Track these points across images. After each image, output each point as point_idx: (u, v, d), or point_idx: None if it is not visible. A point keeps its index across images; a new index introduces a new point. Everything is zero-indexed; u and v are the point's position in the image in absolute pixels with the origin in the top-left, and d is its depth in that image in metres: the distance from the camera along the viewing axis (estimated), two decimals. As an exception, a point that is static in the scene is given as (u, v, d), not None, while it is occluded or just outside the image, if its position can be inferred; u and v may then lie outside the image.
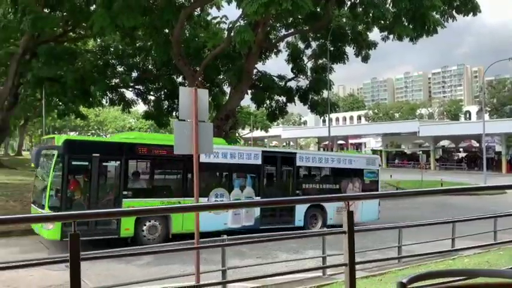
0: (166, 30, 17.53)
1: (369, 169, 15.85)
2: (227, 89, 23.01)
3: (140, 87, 24.65)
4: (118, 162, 11.66)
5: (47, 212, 10.55)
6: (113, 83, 23.74)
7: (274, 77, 21.55)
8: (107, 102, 25.47)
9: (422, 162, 32.57)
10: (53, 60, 18.82)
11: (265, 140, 64.96)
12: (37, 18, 13.71)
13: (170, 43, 17.31)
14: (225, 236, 7.77)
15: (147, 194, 12.17)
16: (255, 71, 20.16)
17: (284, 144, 67.11)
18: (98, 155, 11.22)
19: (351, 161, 15.60)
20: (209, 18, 20.65)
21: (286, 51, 22.21)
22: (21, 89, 21.83)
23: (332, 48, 21.16)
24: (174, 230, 11.88)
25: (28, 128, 57.38)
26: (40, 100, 25.01)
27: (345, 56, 21.52)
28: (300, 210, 13.64)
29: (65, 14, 19.77)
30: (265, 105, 22.61)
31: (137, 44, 21.57)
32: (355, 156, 16.83)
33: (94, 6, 16.45)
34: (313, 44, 22.02)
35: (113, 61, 23.20)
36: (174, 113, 24.72)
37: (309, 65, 22.73)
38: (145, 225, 11.59)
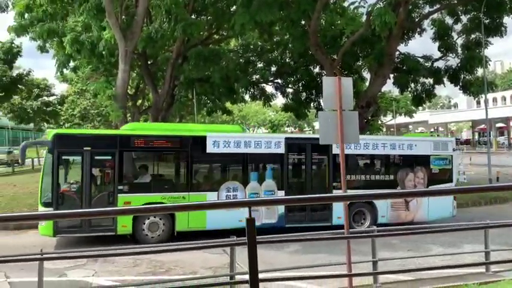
0: (303, 22, 17.62)
1: (438, 155, 13.05)
2: (367, 75, 22.22)
3: (279, 80, 25.34)
4: (111, 156, 11.02)
5: (41, 208, 10.38)
6: (254, 79, 24.88)
7: (418, 58, 20.05)
8: (249, 97, 26.80)
9: None
10: (201, 62, 20.43)
11: (410, 127, 61.12)
12: (187, 24, 15.02)
13: (307, 34, 17.36)
14: (374, 227, 7.49)
15: (145, 189, 11.21)
16: (396, 53, 19.05)
17: (432, 130, 62.24)
18: (90, 148, 10.70)
19: (410, 145, 12.84)
20: (346, 4, 20.14)
21: (432, 29, 20.41)
22: (176, 91, 24.21)
23: (487, 21, 18.79)
24: (178, 227, 11.09)
25: (182, 125, 63.61)
26: (191, 99, 27.34)
27: (503, 28, 18.91)
28: (340, 205, 11.06)
29: (209, 18, 21.38)
30: (409, 89, 21.21)
31: (275, 39, 22.21)
32: (417, 140, 13.54)
33: (234, 7, 17.38)
34: (464, 18, 19.84)
35: (253, 58, 24.32)
36: (312, 104, 24.89)
37: (459, 41, 20.56)
38: (144, 222, 10.86)
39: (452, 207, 12.72)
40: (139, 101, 30.77)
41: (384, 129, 39.05)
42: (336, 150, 11.93)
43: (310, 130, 62.42)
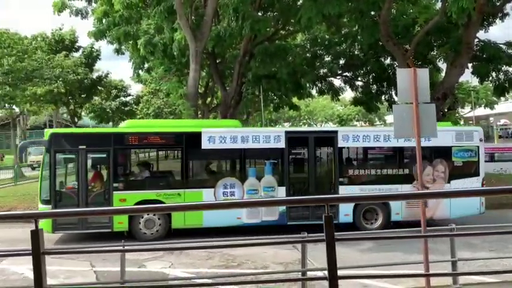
0: (372, 13, 17.05)
1: (462, 146, 11.92)
2: (442, 65, 21.04)
3: (347, 74, 24.76)
4: (106, 154, 11.09)
5: (40, 205, 10.68)
6: (321, 73, 24.54)
7: (500, 45, 18.61)
8: (316, 92, 26.48)
9: None
10: (267, 58, 20.54)
11: (491, 119, 57.00)
12: (254, 21, 15.15)
13: (377, 25, 16.76)
14: (453, 225, 7.08)
15: (139, 186, 11.32)
16: (475, 40, 17.81)
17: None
18: (85, 147, 10.84)
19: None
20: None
21: (515, 12, 18.85)
22: (244, 88, 24.55)
23: None
24: (174, 225, 11.07)
25: (250, 122, 64.60)
26: (258, 96, 27.57)
27: None
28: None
29: (275, 13, 21.38)
30: (490, 78, 19.75)
31: (343, 32, 21.71)
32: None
33: (301, 1, 17.22)
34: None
35: (320, 52, 23.96)
36: (383, 97, 24.04)
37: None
38: (140, 219, 10.86)
39: (480, 204, 11.67)
40: (209, 99, 31.61)
41: (462, 122, 36.75)
42: (342, 143, 11.58)
43: (381, 124, 60.39)
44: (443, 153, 11.87)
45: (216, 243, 3.39)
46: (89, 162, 11.18)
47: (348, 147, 11.97)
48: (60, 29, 30.29)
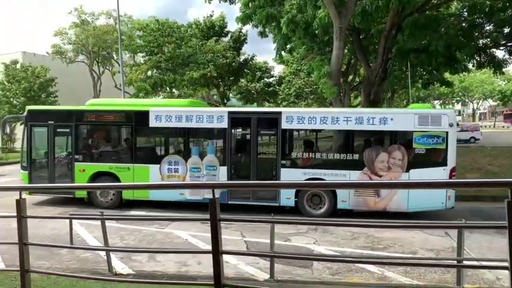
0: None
1: (425, 131, 10.47)
2: None
3: (513, 43, 21.62)
4: (69, 129, 12.49)
5: (21, 171, 12.80)
6: (481, 44, 21.86)
7: None
8: (473, 65, 23.76)
9: None
10: (417, 31, 19.09)
11: None
12: (403, -8, 14.17)
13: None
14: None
15: (96, 158, 12.53)
16: None
17: None
18: (52, 122, 12.47)
19: (383, 119, 10.58)
20: None
21: None
22: (389, 64, 23.30)
23: None
24: (125, 196, 12.27)
25: (395, 100, 61.48)
26: (405, 72, 25.99)
27: None
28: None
29: (426, -19, 19.64)
30: None
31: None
32: (394, 113, 11.03)
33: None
34: None
35: (479, 20, 21.31)
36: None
37: None
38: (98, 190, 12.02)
39: (446, 198, 10.28)
40: (350, 77, 30.89)
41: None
42: (285, 125, 11.20)
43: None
44: (402, 138, 10.85)
45: (361, 223, 3.33)
46: (56, 135, 12.72)
47: (292, 129, 11.55)
48: (211, 16, 32.62)
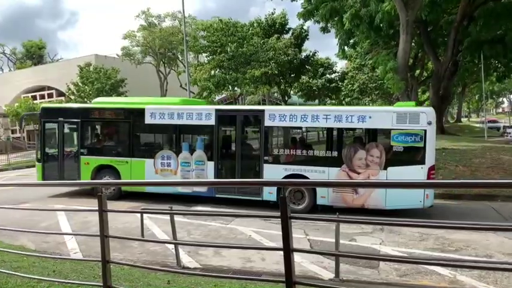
0: None
1: (403, 130, 10.38)
2: None
3: None
4: (76, 125, 13.39)
5: (37, 163, 13.97)
6: None
7: None
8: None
9: None
10: (492, 20, 17.95)
11: None
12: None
13: None
14: None
15: (99, 152, 13.28)
16: None
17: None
18: (62, 119, 13.45)
19: (362, 117, 10.68)
20: None
21: None
22: (460, 56, 22.08)
23: None
24: (124, 188, 12.98)
25: (466, 94, 58.23)
26: (478, 64, 24.48)
27: None
28: (272, 179, 10.44)
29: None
30: None
31: None
32: (372, 111, 11.46)
33: None
34: None
35: None
36: None
37: None
38: (101, 179, 12.83)
39: (424, 196, 10.20)
40: (417, 72, 29.65)
41: None
42: (268, 122, 11.47)
43: None
44: (380, 136, 10.88)
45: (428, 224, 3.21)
46: (65, 131, 13.74)
47: (274, 127, 11.84)
48: (273, 14, 32.73)
